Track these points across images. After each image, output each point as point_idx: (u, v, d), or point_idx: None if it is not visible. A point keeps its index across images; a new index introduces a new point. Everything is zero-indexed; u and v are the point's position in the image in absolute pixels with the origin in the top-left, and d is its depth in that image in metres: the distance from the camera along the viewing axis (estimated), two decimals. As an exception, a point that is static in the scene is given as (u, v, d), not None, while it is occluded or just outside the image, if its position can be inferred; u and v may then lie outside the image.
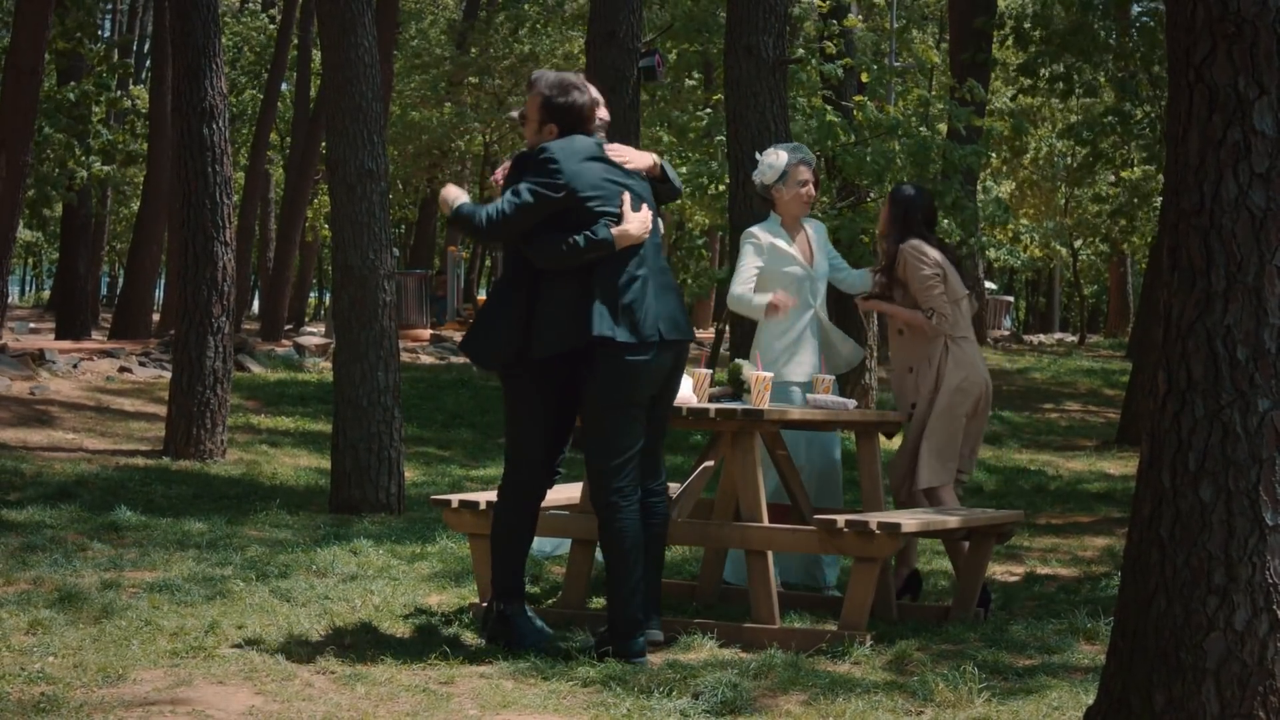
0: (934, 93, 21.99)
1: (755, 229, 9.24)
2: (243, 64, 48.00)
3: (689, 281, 38.58)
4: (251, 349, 24.70)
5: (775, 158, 9.23)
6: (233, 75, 45.91)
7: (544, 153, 7.27)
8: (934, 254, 8.97)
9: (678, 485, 8.16)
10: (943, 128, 21.27)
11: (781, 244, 9.16)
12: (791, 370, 9.04)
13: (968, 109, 19.61)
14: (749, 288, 9.10)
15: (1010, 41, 23.79)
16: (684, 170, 20.43)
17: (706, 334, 33.77)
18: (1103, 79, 23.28)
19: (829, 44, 17.66)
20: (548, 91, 7.43)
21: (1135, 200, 30.47)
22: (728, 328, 18.12)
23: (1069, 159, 38.07)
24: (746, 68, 14.76)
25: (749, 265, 9.13)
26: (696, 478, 8.11)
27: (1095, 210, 39.94)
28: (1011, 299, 61.39)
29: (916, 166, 18.25)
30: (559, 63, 36.99)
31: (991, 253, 32.55)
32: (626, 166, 7.45)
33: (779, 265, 9.14)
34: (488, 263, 49.46)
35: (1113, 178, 32.23)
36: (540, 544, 9.57)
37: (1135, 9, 23.06)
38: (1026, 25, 22.91)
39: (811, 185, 9.24)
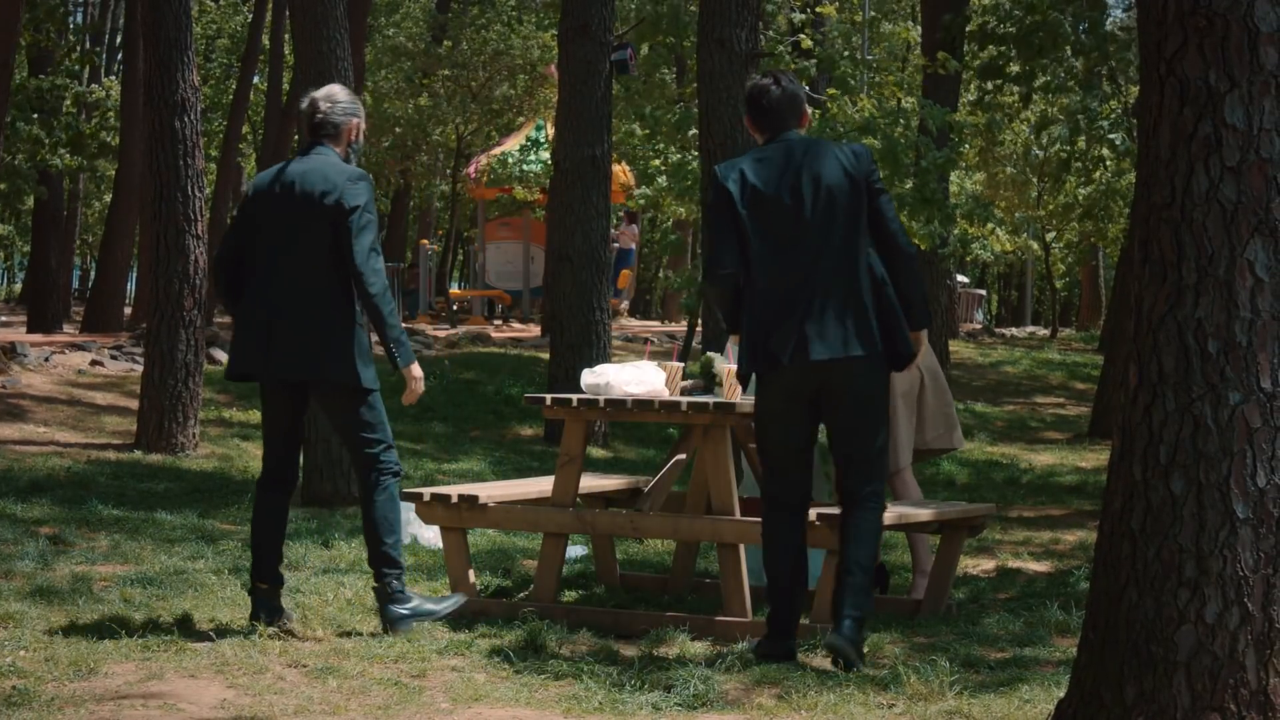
0: (908, 77, 21.85)
1: None
2: (217, 56, 47.81)
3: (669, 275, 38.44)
4: (223, 342, 24.60)
5: None
6: (207, 67, 45.75)
7: None
8: None
9: (649, 479, 8.15)
10: (916, 122, 21.23)
11: None
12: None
13: (944, 110, 19.58)
14: None
15: (974, 41, 23.67)
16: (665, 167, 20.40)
17: (679, 327, 33.75)
18: (1069, 77, 23.20)
19: (803, 37, 17.64)
20: None
21: (1107, 195, 30.45)
22: (700, 322, 18.10)
23: (1043, 155, 38.04)
24: (719, 61, 14.77)
25: None
26: (669, 471, 8.11)
27: (1065, 211, 39.93)
28: (984, 292, 61.42)
29: (888, 165, 18.26)
30: (534, 57, 36.97)
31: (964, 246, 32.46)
32: None
33: None
34: (459, 257, 49.32)
35: (1086, 178, 32.23)
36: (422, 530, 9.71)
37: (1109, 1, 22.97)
38: (991, 22, 22.79)
39: None
